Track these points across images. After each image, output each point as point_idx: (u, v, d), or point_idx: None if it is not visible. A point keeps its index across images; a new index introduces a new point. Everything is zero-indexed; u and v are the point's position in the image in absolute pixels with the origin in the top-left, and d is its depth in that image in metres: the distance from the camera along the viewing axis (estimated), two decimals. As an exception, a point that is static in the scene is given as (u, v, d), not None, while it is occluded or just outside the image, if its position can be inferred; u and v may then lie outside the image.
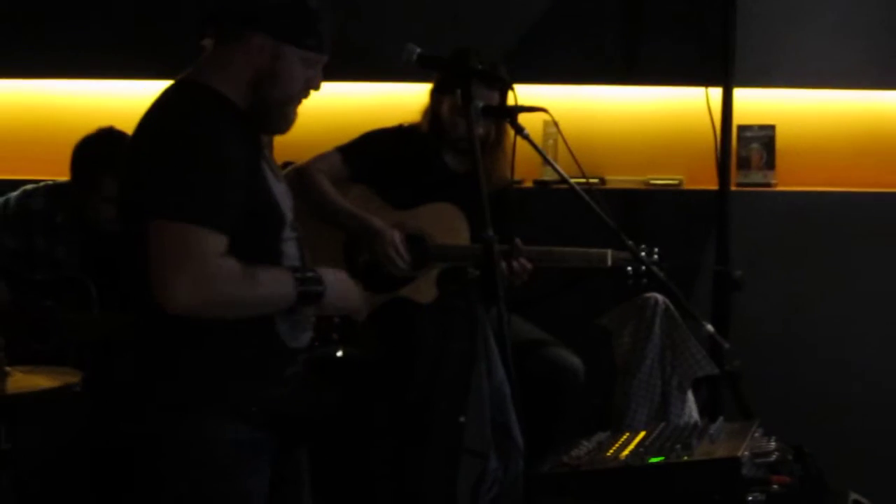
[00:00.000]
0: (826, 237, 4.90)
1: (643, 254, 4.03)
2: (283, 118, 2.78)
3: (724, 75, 4.65)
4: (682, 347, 4.26)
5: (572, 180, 3.45)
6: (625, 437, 3.45)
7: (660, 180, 5.03)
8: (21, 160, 5.23)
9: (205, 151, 2.59)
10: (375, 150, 4.30)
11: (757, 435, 3.36)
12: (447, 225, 4.20)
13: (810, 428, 4.45)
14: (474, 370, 3.85)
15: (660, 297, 4.30)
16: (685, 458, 3.15)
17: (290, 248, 2.79)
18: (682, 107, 4.96)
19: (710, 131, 4.64)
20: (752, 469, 3.12)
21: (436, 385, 3.88)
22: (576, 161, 3.48)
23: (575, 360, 4.25)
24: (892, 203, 4.92)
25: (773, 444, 3.27)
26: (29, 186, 4.19)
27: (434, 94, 4.29)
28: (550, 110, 3.39)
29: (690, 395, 4.30)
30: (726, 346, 4.08)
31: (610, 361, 4.37)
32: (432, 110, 4.29)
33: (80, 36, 5.10)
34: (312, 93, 2.82)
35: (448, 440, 3.82)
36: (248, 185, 2.65)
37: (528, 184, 4.99)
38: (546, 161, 3.55)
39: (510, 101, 3.29)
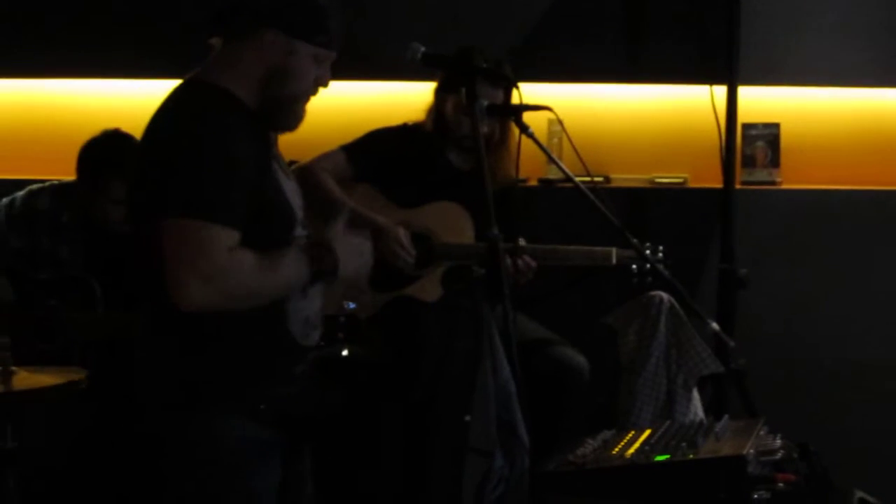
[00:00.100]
0: (831, 235, 4.90)
1: (648, 252, 4.03)
2: (293, 115, 2.78)
3: (729, 73, 4.64)
4: (688, 346, 4.25)
5: (577, 179, 3.46)
6: (630, 435, 3.45)
7: (664, 178, 5.03)
8: (22, 159, 5.23)
9: (213, 149, 2.59)
10: (380, 148, 4.30)
11: (762, 433, 3.36)
12: (452, 223, 4.20)
13: (815, 426, 4.44)
14: (480, 369, 3.85)
15: (665, 295, 4.30)
16: (690, 456, 3.15)
17: (301, 245, 2.78)
18: (687, 105, 4.95)
19: (715, 129, 4.63)
20: (758, 467, 3.12)
21: (441, 384, 3.89)
22: (580, 159, 3.49)
23: (580, 359, 4.25)
24: (898, 201, 4.92)
25: (778, 442, 3.27)
26: (35, 186, 4.19)
27: (438, 92, 4.29)
28: (555, 109, 3.40)
29: (696, 394, 4.30)
30: (731, 344, 4.09)
31: (615, 360, 4.36)
32: (436, 109, 4.30)
33: (81, 35, 5.10)
34: (320, 90, 2.82)
35: (453, 439, 3.82)
36: (259, 182, 2.66)
37: (533, 182, 4.99)
38: (551, 159, 3.55)
39: (515, 99, 3.29)
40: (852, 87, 4.93)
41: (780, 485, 3.09)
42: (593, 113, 5.03)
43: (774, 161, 4.99)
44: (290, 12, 2.70)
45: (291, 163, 4.17)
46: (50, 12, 5.13)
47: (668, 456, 3.17)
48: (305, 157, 4.18)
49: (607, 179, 4.99)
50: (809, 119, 5.02)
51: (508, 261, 3.94)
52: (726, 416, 3.55)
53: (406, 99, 4.50)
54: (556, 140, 4.74)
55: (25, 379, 3.38)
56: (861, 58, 4.86)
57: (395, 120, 4.38)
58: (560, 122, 3.48)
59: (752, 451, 3.12)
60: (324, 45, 2.75)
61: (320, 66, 2.77)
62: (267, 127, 2.76)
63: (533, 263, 4.03)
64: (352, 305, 3.22)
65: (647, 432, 3.46)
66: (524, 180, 4.81)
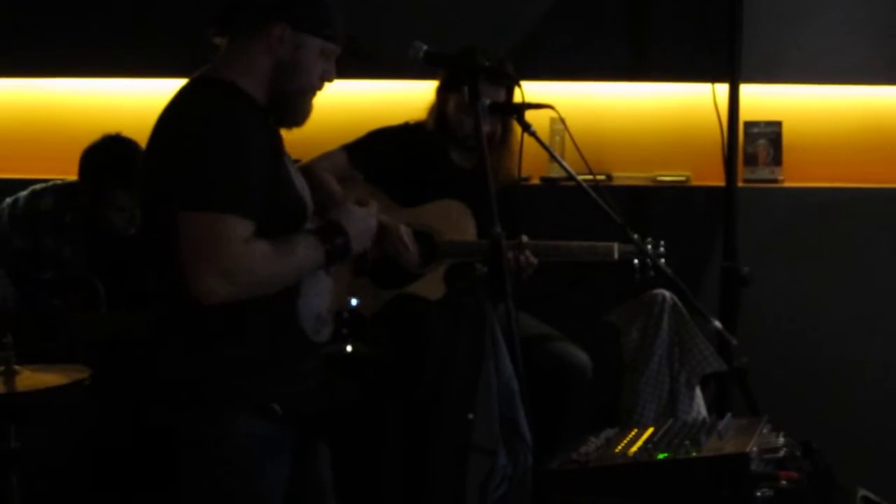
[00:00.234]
0: (833, 233, 4.90)
1: (649, 247, 4.03)
2: (301, 110, 2.79)
3: (731, 71, 4.64)
4: (690, 344, 4.26)
5: (579, 177, 3.46)
6: (633, 433, 3.45)
7: (667, 177, 5.03)
8: (24, 159, 5.24)
9: (225, 142, 2.60)
10: (382, 147, 4.30)
11: (765, 431, 3.36)
12: (454, 221, 4.20)
13: (818, 424, 4.44)
14: (482, 367, 3.85)
15: (667, 293, 4.30)
16: (693, 454, 3.15)
17: None
18: (689, 103, 4.95)
19: (717, 127, 4.63)
20: (761, 465, 3.12)
21: (444, 382, 3.89)
22: (583, 158, 3.49)
23: (583, 357, 4.25)
24: (900, 199, 4.92)
25: (781, 440, 3.27)
26: (38, 186, 4.19)
27: (440, 91, 4.29)
28: (557, 107, 3.40)
29: (698, 392, 4.30)
30: (734, 342, 4.09)
31: (618, 358, 4.36)
32: (438, 108, 4.29)
33: (82, 34, 5.11)
34: (325, 86, 2.83)
35: (457, 437, 3.83)
36: (271, 175, 2.67)
37: (536, 180, 4.99)
38: (553, 158, 3.56)
39: (517, 97, 3.29)
40: (854, 84, 4.93)
41: (783, 483, 3.08)
42: (595, 111, 5.03)
43: (776, 159, 4.99)
44: (296, 6, 2.73)
45: (294, 161, 4.18)
46: (51, 12, 5.13)
47: (670, 454, 3.17)
48: (307, 155, 4.18)
49: (609, 177, 4.99)
50: (811, 117, 5.02)
51: (510, 255, 3.94)
52: (729, 415, 3.55)
53: (408, 98, 4.50)
54: (558, 138, 4.74)
55: (29, 378, 3.38)
56: (863, 55, 4.86)
57: (397, 119, 4.38)
58: (562, 120, 3.48)
59: (755, 449, 3.12)
60: (330, 39, 2.77)
61: (326, 60, 2.79)
62: (275, 122, 2.77)
63: (534, 260, 4.03)
64: (355, 302, 3.23)
65: (650, 430, 3.46)
66: (526, 178, 4.81)
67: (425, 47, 3.09)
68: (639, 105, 5.08)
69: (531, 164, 4.59)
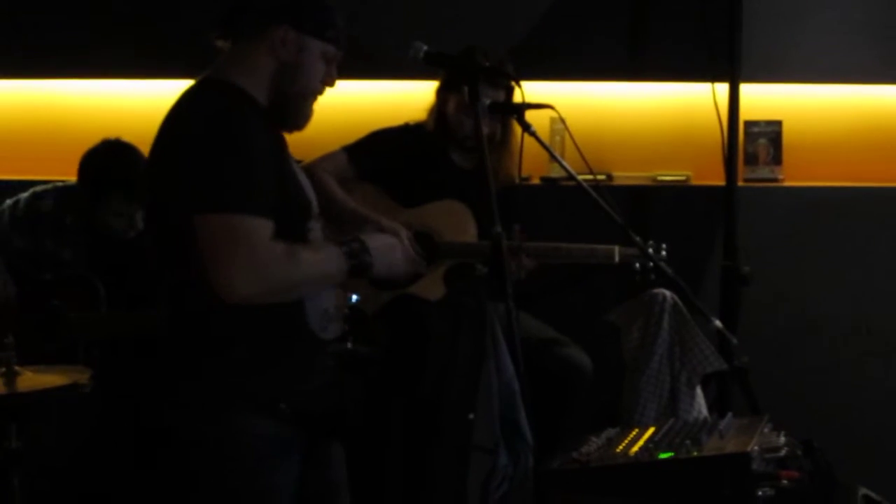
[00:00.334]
0: (833, 232, 4.90)
1: (650, 250, 4.03)
2: (302, 113, 2.80)
3: (731, 71, 4.64)
4: (691, 343, 4.26)
5: (580, 177, 3.46)
6: (634, 432, 3.45)
7: (667, 176, 5.03)
8: (24, 160, 5.24)
9: (236, 142, 2.60)
10: (382, 148, 4.30)
11: (766, 430, 3.35)
12: (454, 222, 4.20)
13: (819, 423, 4.45)
14: (483, 367, 3.85)
15: (668, 292, 4.30)
16: (695, 453, 3.14)
17: (316, 237, 2.81)
18: (689, 102, 4.95)
19: (717, 127, 4.63)
20: (762, 464, 3.11)
21: (445, 382, 3.89)
22: (583, 157, 3.49)
23: (584, 357, 4.25)
24: (900, 198, 4.92)
25: (782, 439, 3.26)
26: (39, 188, 4.19)
27: (440, 92, 4.29)
28: (557, 107, 3.40)
29: (699, 391, 4.30)
30: (734, 341, 4.09)
31: (618, 357, 4.36)
32: (438, 109, 4.30)
33: (82, 36, 5.10)
34: (326, 90, 2.84)
35: (458, 437, 3.83)
36: (277, 174, 2.67)
37: (536, 180, 4.99)
38: (553, 158, 3.56)
39: (517, 98, 3.29)
40: (855, 83, 4.93)
41: (785, 482, 3.08)
42: (595, 111, 5.03)
43: (777, 158, 4.99)
44: (300, 8, 2.73)
45: (296, 162, 4.19)
46: (51, 12, 5.13)
47: (672, 453, 3.16)
48: (307, 156, 4.18)
49: (610, 177, 4.99)
50: (812, 116, 5.02)
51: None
52: (730, 414, 3.54)
53: (408, 98, 4.50)
54: (558, 138, 4.74)
55: (30, 379, 3.38)
56: (863, 55, 4.86)
57: (397, 119, 4.39)
58: (562, 120, 3.48)
59: (756, 448, 3.12)
60: (332, 42, 2.78)
61: (328, 64, 2.80)
62: (276, 124, 2.78)
63: (529, 264, 4.01)
64: (355, 298, 3.22)
65: (651, 430, 3.46)
66: (527, 179, 4.81)
67: (425, 48, 3.09)
68: (639, 105, 5.08)
69: (531, 164, 4.59)
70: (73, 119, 5.17)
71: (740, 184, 4.78)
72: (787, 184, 4.99)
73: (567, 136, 3.64)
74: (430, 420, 3.92)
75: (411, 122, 4.36)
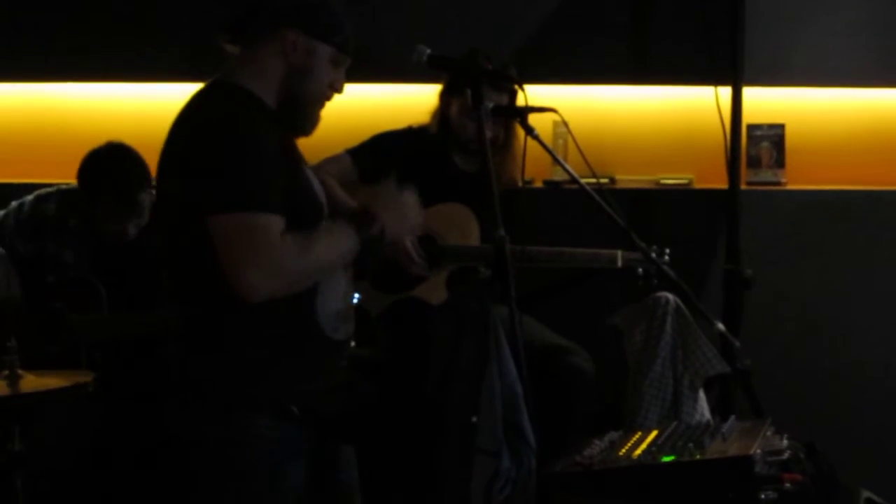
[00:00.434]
0: (836, 235, 4.90)
1: (653, 254, 4.03)
2: (309, 118, 2.81)
3: (734, 74, 4.65)
4: (694, 346, 4.26)
5: (582, 180, 3.45)
6: (637, 435, 3.45)
7: (670, 179, 5.03)
8: (26, 163, 5.24)
9: (241, 143, 2.61)
10: (385, 151, 4.31)
11: (769, 433, 3.35)
12: (457, 225, 4.20)
13: (822, 426, 4.45)
14: (486, 370, 3.85)
15: (671, 296, 4.30)
16: (697, 456, 3.15)
17: None
18: (692, 106, 4.96)
19: (720, 130, 4.63)
20: (765, 467, 3.11)
21: (448, 385, 3.89)
22: (586, 161, 3.48)
23: (586, 360, 4.25)
24: (903, 201, 4.92)
25: (785, 442, 3.26)
26: (43, 191, 4.19)
27: (443, 95, 4.30)
28: (560, 110, 3.40)
29: (702, 394, 4.30)
30: (737, 344, 4.09)
31: (621, 360, 4.37)
32: (441, 112, 4.30)
33: (84, 39, 5.10)
34: (334, 97, 2.85)
35: (461, 440, 3.82)
36: (289, 175, 2.68)
37: (539, 184, 4.99)
38: (556, 161, 3.55)
39: (520, 101, 3.30)
40: (857, 87, 4.94)
41: (787, 485, 3.08)
42: (598, 114, 5.03)
43: (779, 162, 5.00)
44: (309, 13, 2.75)
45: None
46: (51, 13, 5.14)
47: (674, 456, 3.17)
48: (310, 159, 4.15)
49: (612, 181, 4.99)
50: (814, 119, 5.02)
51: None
52: (733, 417, 3.55)
53: (411, 101, 4.51)
54: (561, 141, 4.74)
55: (32, 381, 3.38)
56: (866, 58, 4.86)
57: (400, 122, 4.39)
58: (565, 123, 3.48)
59: (758, 451, 3.12)
60: (340, 47, 2.79)
61: (336, 69, 2.81)
62: (286, 128, 2.78)
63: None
64: (357, 297, 3.22)
65: (654, 433, 3.46)
66: (529, 182, 4.82)
67: (429, 51, 3.10)
68: (642, 108, 5.08)
69: (534, 167, 4.60)
70: (74, 122, 5.17)
71: (743, 187, 4.78)
72: (789, 187, 4.99)
73: (570, 140, 3.64)
74: (433, 423, 3.92)
75: (414, 126, 4.37)
